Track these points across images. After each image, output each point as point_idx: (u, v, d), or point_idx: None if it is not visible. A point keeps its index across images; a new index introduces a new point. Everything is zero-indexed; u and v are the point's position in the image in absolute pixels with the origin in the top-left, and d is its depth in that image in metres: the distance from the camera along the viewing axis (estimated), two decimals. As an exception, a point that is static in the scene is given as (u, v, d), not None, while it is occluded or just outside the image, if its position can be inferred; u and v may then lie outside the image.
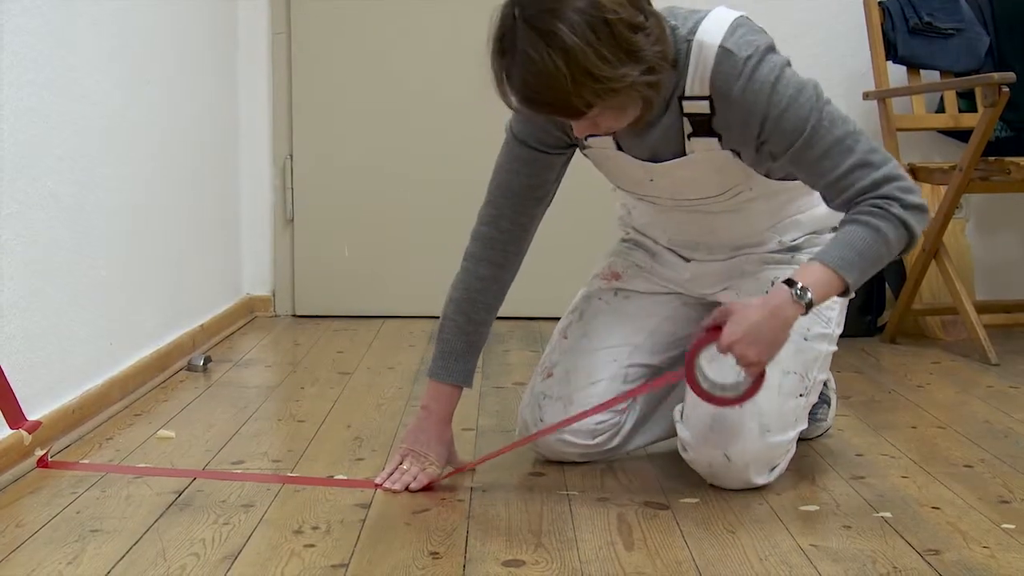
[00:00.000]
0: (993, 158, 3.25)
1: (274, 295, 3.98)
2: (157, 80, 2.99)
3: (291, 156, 3.94)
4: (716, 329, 1.83)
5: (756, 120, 1.83)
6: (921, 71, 3.61)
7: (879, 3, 3.57)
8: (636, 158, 1.96)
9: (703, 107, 1.85)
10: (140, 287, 2.84)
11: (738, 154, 1.92)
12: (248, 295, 3.94)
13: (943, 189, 3.37)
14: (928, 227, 3.35)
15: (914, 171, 3.45)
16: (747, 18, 1.87)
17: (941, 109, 3.63)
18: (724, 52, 1.81)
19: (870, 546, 1.78)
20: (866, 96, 3.54)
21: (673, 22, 1.84)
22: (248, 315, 3.89)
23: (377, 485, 2.03)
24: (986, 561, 1.72)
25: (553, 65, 1.66)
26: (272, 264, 3.97)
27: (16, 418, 2.12)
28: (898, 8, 3.58)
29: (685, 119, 1.89)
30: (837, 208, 1.88)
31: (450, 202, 3.90)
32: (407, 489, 2.01)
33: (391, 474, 2.04)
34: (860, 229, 1.81)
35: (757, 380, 1.86)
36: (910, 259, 3.55)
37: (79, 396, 2.41)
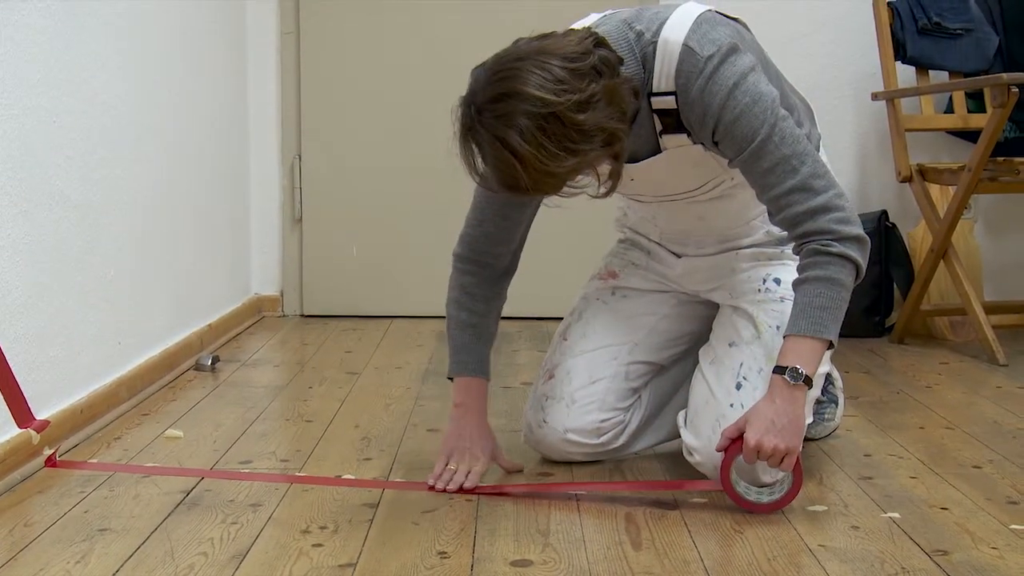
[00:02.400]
0: (1002, 159, 3.24)
1: (282, 295, 3.98)
2: (166, 80, 2.99)
3: (300, 156, 3.94)
4: (739, 439, 1.87)
5: (711, 121, 1.85)
6: (930, 71, 3.61)
7: (888, 3, 3.56)
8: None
9: (670, 102, 1.87)
10: (148, 287, 2.84)
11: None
12: (256, 295, 3.95)
13: (952, 190, 3.36)
14: (937, 227, 3.35)
15: (923, 171, 3.45)
16: (713, 12, 1.89)
17: (950, 109, 3.62)
18: (687, 50, 1.83)
19: (878, 547, 1.78)
20: (875, 96, 3.54)
21: (639, 27, 1.87)
22: (256, 315, 3.89)
23: (430, 487, 2.03)
24: (995, 562, 1.71)
25: (512, 166, 1.70)
26: (280, 264, 3.98)
27: (24, 417, 2.12)
28: (907, 8, 3.58)
29: (655, 116, 1.91)
30: (777, 224, 1.91)
31: (458, 202, 3.88)
32: (461, 489, 2.01)
33: (440, 475, 2.04)
34: (814, 286, 1.84)
35: (797, 475, 1.89)
36: (919, 260, 3.55)
37: (87, 395, 2.41)
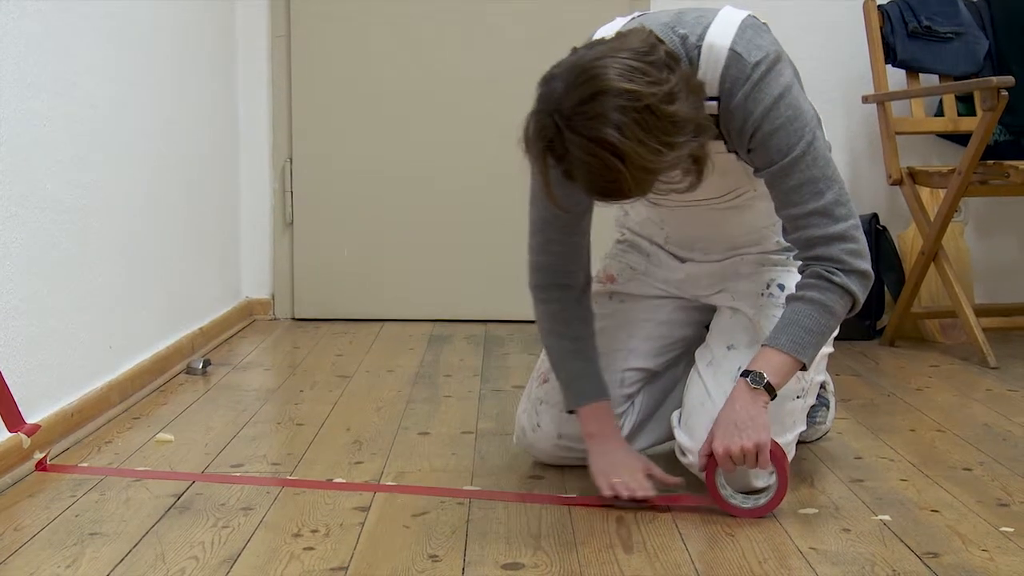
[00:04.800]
0: (992, 162, 3.25)
1: (273, 298, 3.98)
2: (157, 83, 2.99)
3: (290, 159, 3.94)
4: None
5: (750, 129, 1.83)
6: (920, 75, 3.62)
7: (878, 7, 3.57)
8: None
9: (712, 108, 1.84)
10: (139, 290, 2.84)
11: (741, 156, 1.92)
12: (247, 298, 3.94)
13: (942, 192, 3.37)
14: (927, 230, 3.36)
15: (913, 174, 3.45)
16: (754, 17, 1.88)
17: (940, 113, 3.63)
18: (734, 55, 1.82)
19: (869, 549, 1.78)
20: (865, 99, 3.54)
21: (683, 31, 1.84)
22: (247, 318, 3.89)
23: (614, 498, 1.97)
24: (985, 564, 1.72)
25: (614, 167, 1.64)
26: (271, 267, 3.97)
27: (15, 421, 2.12)
28: (897, 12, 3.59)
29: None
30: (790, 242, 1.92)
31: (449, 205, 3.90)
32: (644, 499, 1.95)
33: (613, 488, 1.98)
34: (807, 307, 1.86)
35: (782, 478, 1.90)
36: (909, 263, 3.56)
37: (78, 399, 2.41)
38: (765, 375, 1.86)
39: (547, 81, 1.69)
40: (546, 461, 2.19)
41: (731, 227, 2.10)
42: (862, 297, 1.88)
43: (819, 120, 2.06)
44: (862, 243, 1.88)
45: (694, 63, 1.83)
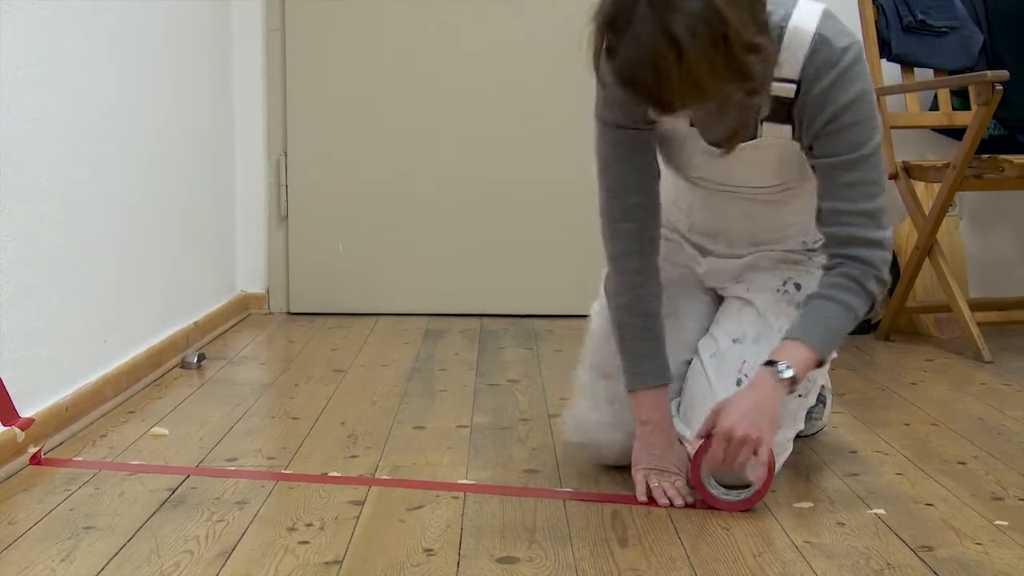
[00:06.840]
0: (986, 156, 3.25)
1: (268, 292, 3.97)
2: (151, 77, 2.98)
3: (285, 153, 3.93)
4: (711, 437, 1.87)
5: (827, 115, 1.82)
6: (915, 69, 3.62)
7: (873, 1, 3.57)
8: (704, 139, 1.93)
9: (789, 91, 1.84)
10: (134, 284, 2.84)
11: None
12: (242, 292, 3.94)
13: (937, 187, 3.37)
14: (922, 224, 3.36)
15: (908, 169, 3.46)
16: (832, 11, 1.88)
17: (935, 107, 3.63)
18: (821, 38, 1.82)
19: (864, 543, 1.78)
20: (860, 94, 3.54)
21: (768, 7, 1.82)
22: (242, 312, 3.88)
23: (649, 501, 1.95)
24: (979, 558, 1.72)
25: (665, 63, 1.64)
26: (266, 261, 3.97)
27: (9, 415, 2.11)
28: (892, 6, 3.58)
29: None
30: (823, 232, 1.92)
31: (445, 199, 3.90)
32: (672, 505, 1.94)
33: (647, 493, 1.96)
34: (835, 308, 1.88)
35: (767, 476, 1.89)
36: (904, 257, 3.56)
37: (72, 393, 2.40)
38: (792, 369, 1.84)
39: None
40: (613, 462, 2.11)
41: (761, 220, 2.07)
42: (880, 304, 1.92)
43: None
44: (891, 251, 1.91)
45: (776, 42, 1.81)
